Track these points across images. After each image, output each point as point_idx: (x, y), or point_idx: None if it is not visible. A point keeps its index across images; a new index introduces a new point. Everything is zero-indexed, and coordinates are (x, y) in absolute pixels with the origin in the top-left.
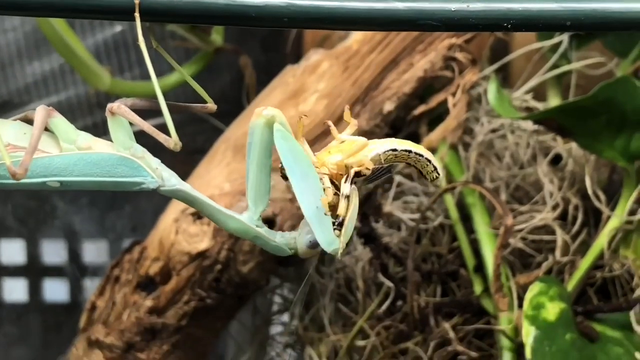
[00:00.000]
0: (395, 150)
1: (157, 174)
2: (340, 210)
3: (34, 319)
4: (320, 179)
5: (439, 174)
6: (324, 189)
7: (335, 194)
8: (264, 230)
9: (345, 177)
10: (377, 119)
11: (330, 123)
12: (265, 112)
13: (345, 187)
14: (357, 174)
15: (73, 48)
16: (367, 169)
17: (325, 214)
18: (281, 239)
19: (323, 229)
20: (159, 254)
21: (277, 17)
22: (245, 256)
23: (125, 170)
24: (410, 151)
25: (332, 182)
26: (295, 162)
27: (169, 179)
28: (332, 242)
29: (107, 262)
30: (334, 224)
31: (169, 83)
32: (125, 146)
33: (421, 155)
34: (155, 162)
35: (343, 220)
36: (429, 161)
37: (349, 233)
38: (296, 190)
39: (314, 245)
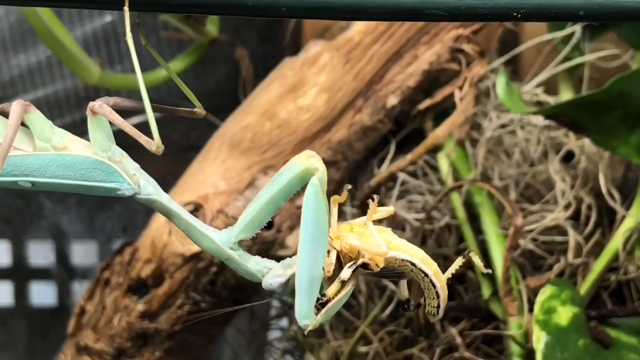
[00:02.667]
0: (413, 265)
1: (134, 181)
2: (330, 291)
3: (20, 324)
4: (328, 250)
5: (437, 314)
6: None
7: (334, 271)
8: (237, 254)
9: (352, 262)
10: (380, 114)
11: (373, 203)
12: (313, 160)
13: (346, 272)
14: (364, 265)
15: (61, 39)
16: (376, 265)
17: (315, 287)
18: (255, 266)
19: (307, 299)
20: (151, 256)
21: (275, 6)
22: None
23: (100, 174)
24: (427, 275)
25: (338, 259)
26: (313, 224)
27: (146, 187)
28: (307, 316)
29: (97, 264)
30: (318, 299)
31: (161, 76)
32: (103, 148)
33: (434, 286)
34: (133, 167)
35: (327, 301)
36: (437, 297)
37: (328, 316)
38: (301, 250)
39: (271, 291)
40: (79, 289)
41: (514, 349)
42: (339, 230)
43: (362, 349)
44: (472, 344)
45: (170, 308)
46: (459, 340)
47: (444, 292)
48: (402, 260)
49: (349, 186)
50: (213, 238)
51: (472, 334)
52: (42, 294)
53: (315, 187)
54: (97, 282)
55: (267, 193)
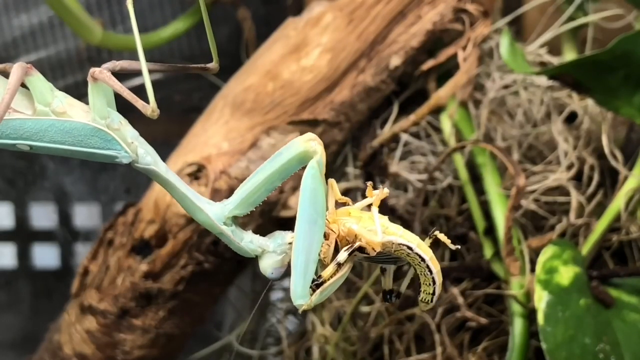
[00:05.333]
0: (410, 249)
1: (132, 149)
2: (326, 273)
3: (24, 285)
4: (327, 233)
5: (431, 302)
6: (322, 244)
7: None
8: (230, 230)
9: (349, 246)
10: (383, 75)
11: (372, 190)
12: (312, 143)
13: (342, 255)
14: (361, 249)
15: (63, 0)
16: (373, 249)
17: (311, 268)
18: (249, 245)
19: (303, 279)
20: (154, 216)
21: None
22: (244, 219)
23: (98, 142)
24: (423, 260)
25: (335, 242)
26: (311, 205)
27: (144, 157)
28: (302, 296)
29: (100, 225)
30: (313, 280)
31: (164, 37)
32: (102, 115)
33: (430, 272)
34: (132, 135)
35: (322, 283)
36: (433, 283)
37: (322, 298)
38: (297, 231)
39: (273, 279)
40: (82, 250)
41: (516, 308)
42: (336, 214)
43: (365, 308)
44: (473, 304)
45: (173, 268)
46: (460, 300)
47: (438, 278)
48: (399, 244)
49: None
50: (207, 212)
51: (474, 294)
52: (46, 255)
53: (314, 169)
54: (100, 242)
55: (265, 171)
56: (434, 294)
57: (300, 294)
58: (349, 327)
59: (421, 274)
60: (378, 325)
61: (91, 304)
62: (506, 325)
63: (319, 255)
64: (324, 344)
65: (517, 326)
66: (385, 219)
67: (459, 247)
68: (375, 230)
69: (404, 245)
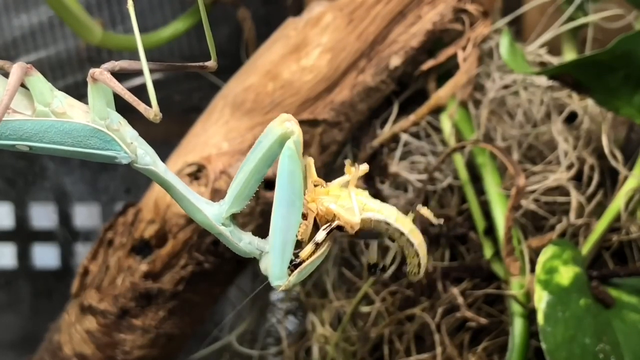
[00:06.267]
0: (388, 224)
1: (131, 149)
2: (303, 253)
3: (24, 285)
4: (305, 213)
5: (419, 273)
6: (301, 224)
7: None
8: (229, 231)
9: (326, 225)
10: (383, 75)
11: (350, 167)
12: (288, 124)
13: (320, 235)
14: (340, 228)
15: (63, 0)
16: (351, 228)
17: (288, 249)
18: (248, 246)
19: (281, 261)
20: (154, 217)
21: None
22: (244, 218)
23: (98, 142)
24: (403, 234)
25: (315, 222)
26: (289, 186)
27: (143, 157)
28: (280, 277)
29: (100, 225)
30: (291, 261)
31: (164, 37)
32: (102, 116)
33: (412, 245)
34: (131, 135)
35: (301, 263)
36: (417, 255)
37: (300, 277)
38: (275, 212)
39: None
40: (82, 250)
41: (516, 308)
42: (315, 193)
43: (365, 309)
44: (473, 304)
45: (173, 268)
46: (460, 300)
47: (422, 250)
48: (377, 220)
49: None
50: (205, 212)
51: (474, 294)
52: (46, 255)
53: (290, 150)
54: (100, 242)
55: (250, 163)
56: (419, 265)
57: (278, 275)
58: (349, 327)
59: (404, 247)
60: (378, 325)
61: (91, 304)
62: (506, 325)
63: (297, 235)
64: (324, 344)
65: (517, 326)
66: (365, 193)
67: (442, 220)
68: (352, 210)
69: (382, 221)
